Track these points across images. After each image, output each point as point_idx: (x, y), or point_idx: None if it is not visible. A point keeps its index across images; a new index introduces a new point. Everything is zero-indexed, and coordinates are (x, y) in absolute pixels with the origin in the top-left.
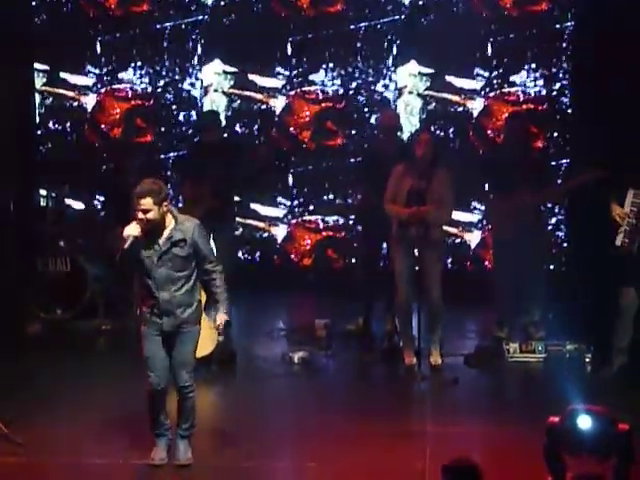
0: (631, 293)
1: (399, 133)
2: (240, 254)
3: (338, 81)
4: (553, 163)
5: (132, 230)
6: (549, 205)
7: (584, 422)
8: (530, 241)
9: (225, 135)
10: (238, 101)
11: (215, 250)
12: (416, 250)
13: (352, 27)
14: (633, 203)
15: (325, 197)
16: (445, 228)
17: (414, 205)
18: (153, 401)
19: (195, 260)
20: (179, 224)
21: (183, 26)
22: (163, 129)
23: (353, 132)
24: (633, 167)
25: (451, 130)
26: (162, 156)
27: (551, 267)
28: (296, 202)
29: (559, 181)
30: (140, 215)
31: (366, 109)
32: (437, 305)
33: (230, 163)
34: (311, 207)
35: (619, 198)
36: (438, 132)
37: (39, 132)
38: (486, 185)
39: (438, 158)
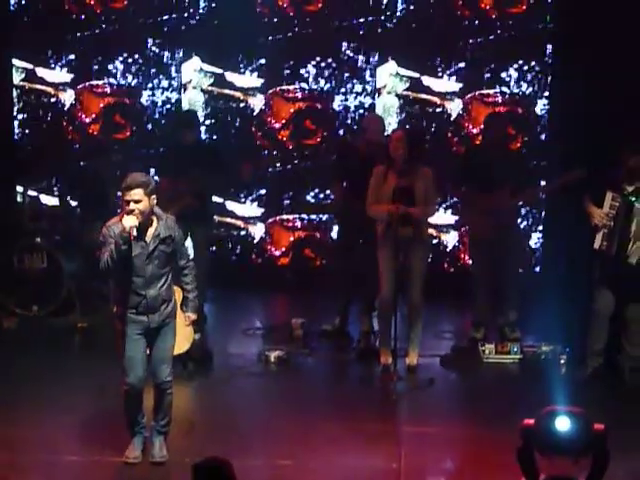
0: (606, 295)
1: (383, 133)
2: (217, 253)
3: (317, 80)
4: (532, 164)
5: (130, 221)
6: (525, 206)
7: (560, 423)
8: (506, 242)
9: (203, 135)
10: (216, 99)
11: (193, 249)
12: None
13: (331, 26)
14: (612, 206)
15: (303, 196)
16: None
17: (401, 203)
18: (130, 400)
19: (174, 257)
20: (162, 220)
21: (162, 23)
22: (141, 126)
23: (331, 131)
24: (611, 168)
25: (430, 131)
26: (142, 152)
27: (527, 268)
28: (274, 201)
29: (536, 183)
30: (132, 205)
31: (344, 109)
32: (418, 305)
33: (208, 163)
34: (289, 206)
35: (596, 200)
36: (415, 131)
37: (16, 128)
38: (463, 186)
39: (419, 155)
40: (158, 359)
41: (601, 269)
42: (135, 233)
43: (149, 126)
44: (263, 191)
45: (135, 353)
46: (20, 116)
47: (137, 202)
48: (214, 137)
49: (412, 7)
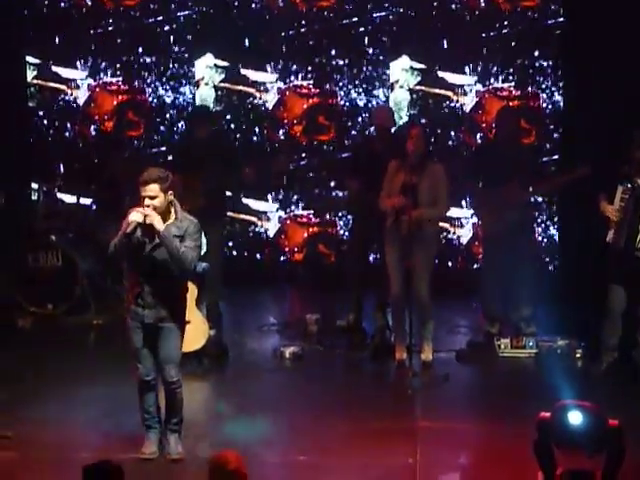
0: (619, 291)
1: (392, 127)
2: (232, 249)
3: (331, 76)
4: (545, 159)
5: (136, 217)
6: (540, 200)
7: (574, 417)
8: (519, 236)
9: (217, 131)
10: (229, 95)
11: (207, 246)
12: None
13: (344, 22)
14: (622, 199)
15: (317, 192)
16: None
17: (407, 199)
18: (143, 392)
19: None
20: (178, 220)
21: (175, 19)
22: (155, 123)
23: (345, 127)
24: (623, 164)
25: (443, 125)
26: (154, 150)
27: (542, 263)
28: (288, 197)
29: (549, 176)
30: (147, 202)
31: (358, 104)
32: (424, 301)
33: (222, 159)
34: (303, 202)
35: (609, 195)
36: (429, 127)
37: (30, 125)
38: (477, 180)
39: (430, 152)
40: (163, 359)
41: (612, 264)
42: (131, 229)
43: (162, 123)
44: (277, 187)
45: (139, 345)
46: (33, 113)
47: (152, 198)
48: (228, 133)
49: (424, 2)
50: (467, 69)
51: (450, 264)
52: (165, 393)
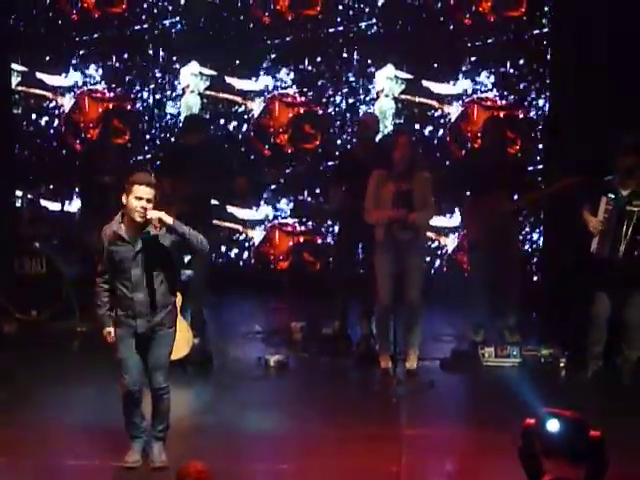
0: (603, 299)
1: (376, 135)
2: (217, 257)
3: (316, 84)
4: (530, 168)
5: (155, 213)
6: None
7: (552, 426)
8: (504, 245)
9: (207, 139)
10: (215, 103)
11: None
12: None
13: (329, 30)
14: (606, 210)
15: (302, 200)
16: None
17: (402, 207)
18: (129, 403)
19: (171, 261)
20: (151, 224)
21: (161, 27)
22: (140, 130)
23: (330, 135)
24: (608, 172)
25: (428, 134)
26: (139, 157)
27: (527, 272)
28: (273, 205)
29: (535, 187)
30: (144, 204)
31: (343, 112)
32: (417, 308)
33: (210, 167)
34: (288, 210)
35: (592, 206)
36: (414, 136)
37: (15, 133)
38: (463, 189)
39: (416, 160)
40: (152, 366)
41: (596, 272)
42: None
43: (148, 131)
44: (264, 195)
45: (127, 356)
46: (18, 120)
47: (149, 201)
48: (219, 141)
49: (410, 11)
50: (452, 79)
51: (435, 272)
52: (152, 399)
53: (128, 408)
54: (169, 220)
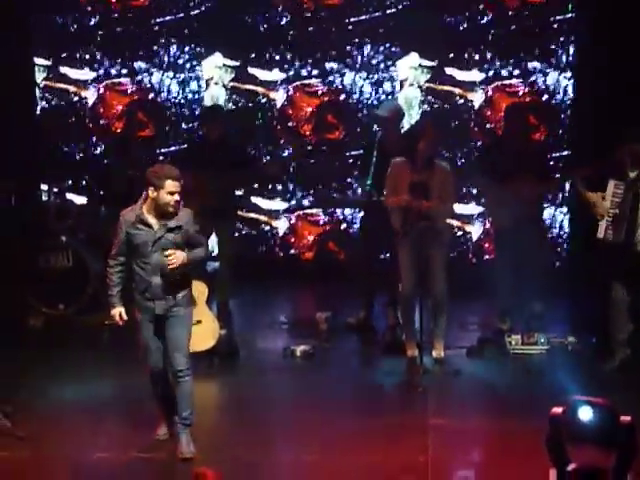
0: (621, 287)
1: (400, 125)
2: (242, 248)
3: (339, 74)
4: (555, 154)
5: (180, 259)
6: (550, 197)
7: (585, 413)
8: (530, 233)
9: (228, 131)
10: (239, 94)
11: (217, 245)
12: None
13: (352, 19)
14: (614, 194)
15: (326, 189)
16: (448, 220)
17: (418, 197)
18: (155, 383)
19: (187, 247)
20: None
21: (183, 19)
22: (164, 123)
23: (354, 125)
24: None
25: (452, 122)
26: (163, 150)
27: (553, 259)
28: (298, 195)
29: (558, 173)
30: (177, 197)
31: (367, 102)
32: (442, 297)
33: (232, 158)
34: (312, 200)
35: (594, 188)
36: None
37: (40, 127)
38: (487, 176)
39: (439, 152)
40: (171, 348)
41: (611, 260)
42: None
43: (171, 123)
44: (289, 186)
45: (149, 338)
46: (43, 114)
47: (179, 194)
48: (237, 132)
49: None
50: (476, 66)
51: (461, 261)
52: (175, 385)
53: (156, 388)
54: (186, 261)
